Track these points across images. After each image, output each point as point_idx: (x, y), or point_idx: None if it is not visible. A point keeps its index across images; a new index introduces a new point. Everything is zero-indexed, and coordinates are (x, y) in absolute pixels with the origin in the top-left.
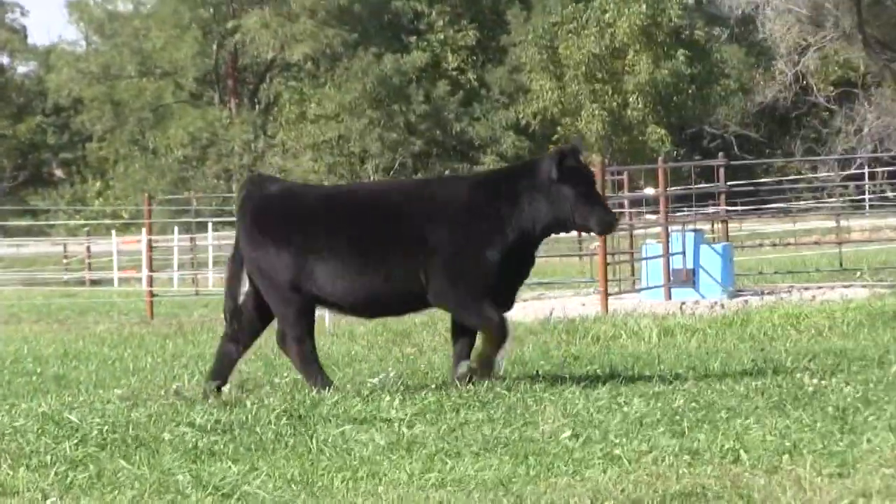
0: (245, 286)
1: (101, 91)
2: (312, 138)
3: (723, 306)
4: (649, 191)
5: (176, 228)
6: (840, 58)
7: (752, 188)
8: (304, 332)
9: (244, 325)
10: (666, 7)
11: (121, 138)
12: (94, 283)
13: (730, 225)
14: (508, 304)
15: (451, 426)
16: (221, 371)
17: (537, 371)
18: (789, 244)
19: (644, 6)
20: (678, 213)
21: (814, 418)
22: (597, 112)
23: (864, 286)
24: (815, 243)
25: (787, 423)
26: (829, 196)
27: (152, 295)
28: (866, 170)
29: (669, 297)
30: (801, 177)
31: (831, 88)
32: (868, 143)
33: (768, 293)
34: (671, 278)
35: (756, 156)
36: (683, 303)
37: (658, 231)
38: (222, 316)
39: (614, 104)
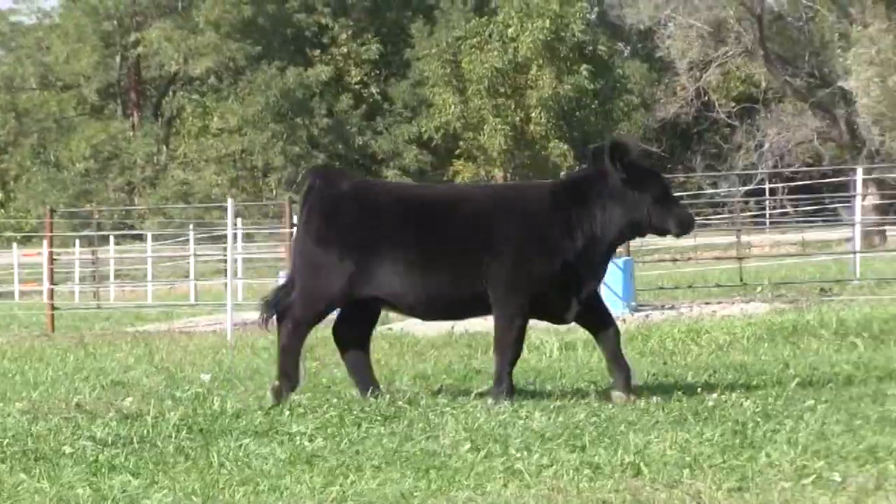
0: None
1: (3, 103)
2: (215, 152)
3: (624, 321)
4: None
5: (77, 241)
6: (742, 74)
7: None
8: (309, 323)
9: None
10: (569, 22)
11: (22, 150)
12: None
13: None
14: (579, 305)
15: (352, 440)
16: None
17: (439, 385)
18: (690, 259)
19: (547, 21)
20: None
21: (714, 433)
22: (499, 126)
23: (764, 301)
24: (716, 258)
25: (687, 437)
26: (730, 211)
27: (53, 308)
28: (767, 185)
29: None
30: (702, 192)
31: (733, 104)
32: (769, 158)
33: (669, 308)
34: None
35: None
36: None
37: None
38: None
39: (517, 119)
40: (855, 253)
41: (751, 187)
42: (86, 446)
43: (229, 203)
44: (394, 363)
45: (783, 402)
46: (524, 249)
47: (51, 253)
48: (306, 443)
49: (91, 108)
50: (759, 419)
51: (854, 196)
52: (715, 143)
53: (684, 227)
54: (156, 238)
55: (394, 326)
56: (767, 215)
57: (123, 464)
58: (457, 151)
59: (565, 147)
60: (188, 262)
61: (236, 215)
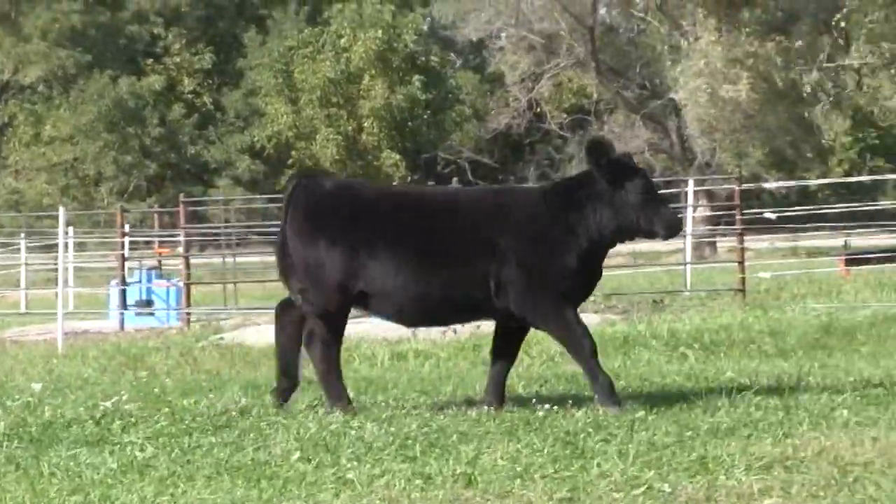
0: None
1: None
2: (46, 160)
3: (455, 331)
4: None
5: None
6: (574, 85)
7: None
8: (335, 336)
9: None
10: (402, 33)
11: None
12: None
13: None
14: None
15: (183, 450)
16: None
17: (270, 395)
18: None
19: (380, 31)
20: None
21: (545, 443)
22: (331, 136)
23: (595, 312)
24: None
25: (518, 447)
26: None
27: None
28: None
29: None
30: None
31: (565, 115)
32: None
33: None
34: None
35: (490, 181)
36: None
37: None
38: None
39: (349, 129)
40: (686, 264)
41: None
42: None
43: (61, 212)
44: (225, 373)
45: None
46: (537, 253)
47: None
48: (137, 452)
49: None
50: (590, 430)
51: (685, 207)
52: (547, 154)
53: (671, 230)
54: None
55: (225, 336)
56: None
57: None
58: (289, 161)
59: (397, 157)
60: (19, 271)
61: (67, 224)
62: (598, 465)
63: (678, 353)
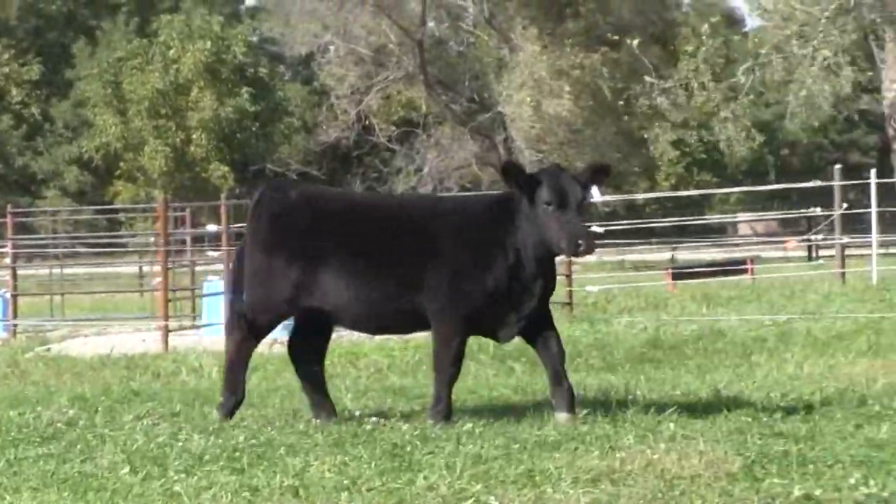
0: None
1: None
2: None
3: (282, 343)
4: (211, 228)
5: None
6: (402, 98)
7: None
8: (255, 335)
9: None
10: (231, 44)
11: None
12: None
13: None
14: (517, 324)
15: (9, 461)
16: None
17: (97, 407)
18: None
19: (209, 43)
20: None
21: (372, 455)
22: (160, 148)
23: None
24: None
25: (346, 459)
26: None
27: None
28: None
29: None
30: None
31: (393, 128)
32: (429, 182)
33: None
34: None
35: None
36: None
37: (220, 268)
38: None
39: (178, 140)
40: None
41: None
42: None
43: None
44: (52, 384)
45: (441, 425)
46: (462, 264)
47: None
48: None
49: None
50: (417, 442)
51: None
52: (375, 167)
53: (572, 249)
54: None
55: (52, 347)
56: None
57: None
58: (117, 172)
59: (226, 169)
60: None
61: None
62: (426, 477)
63: (506, 366)
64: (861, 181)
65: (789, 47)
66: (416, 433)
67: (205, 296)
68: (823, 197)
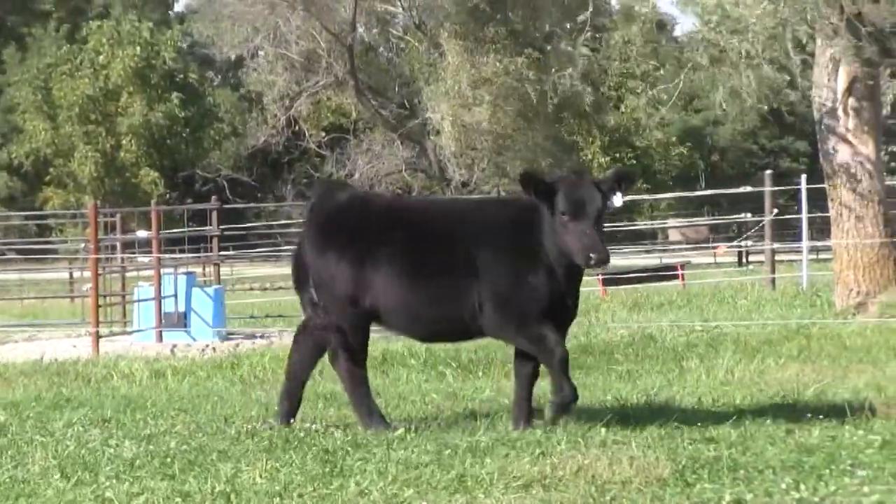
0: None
1: None
2: None
3: (214, 349)
4: (142, 233)
5: None
6: (332, 104)
7: (243, 232)
8: (358, 350)
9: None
10: (160, 50)
11: None
12: None
13: (221, 268)
14: (563, 330)
15: None
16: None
17: (28, 413)
18: (280, 288)
19: (138, 49)
20: (171, 256)
21: (304, 461)
22: (90, 153)
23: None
24: None
25: (277, 465)
26: None
27: None
28: None
29: (161, 340)
30: (292, 221)
31: (323, 134)
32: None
33: (259, 336)
34: (163, 321)
35: (248, 200)
36: (175, 345)
37: (151, 274)
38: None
39: (108, 146)
40: None
41: None
42: None
43: None
44: None
45: (373, 431)
46: (515, 268)
47: None
48: None
49: None
50: (349, 448)
51: None
52: (305, 172)
53: (584, 260)
54: None
55: None
56: None
57: None
58: (47, 178)
59: (156, 174)
60: None
61: None
62: (357, 483)
63: (437, 371)
64: (791, 187)
65: (720, 47)
66: (347, 439)
67: (136, 301)
68: (754, 203)
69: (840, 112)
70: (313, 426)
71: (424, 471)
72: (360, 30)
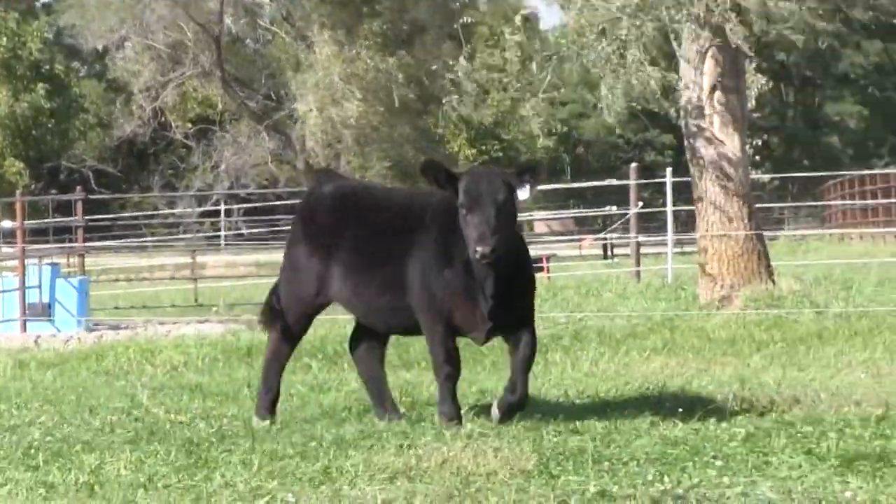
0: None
1: None
2: None
3: (79, 340)
4: (6, 224)
5: None
6: (199, 95)
7: (109, 223)
8: (291, 335)
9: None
10: (26, 41)
11: None
12: None
13: (87, 259)
14: (487, 325)
15: None
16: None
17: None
18: (145, 279)
19: (4, 39)
20: (35, 247)
21: (169, 452)
22: None
23: (219, 322)
24: (171, 278)
25: (142, 457)
26: (186, 232)
27: None
28: (223, 206)
29: (25, 330)
30: (158, 212)
31: (189, 125)
32: (225, 179)
33: (124, 327)
34: (27, 311)
35: (114, 190)
36: (39, 336)
37: (14, 264)
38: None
39: None
40: None
41: (207, 208)
42: None
43: None
44: None
45: (239, 422)
46: (433, 259)
47: None
48: None
49: None
50: (213, 439)
51: None
52: (172, 164)
53: (472, 252)
54: None
55: None
56: (223, 236)
57: None
58: None
59: (21, 165)
60: None
61: None
62: (222, 474)
63: (302, 362)
64: (657, 180)
65: (590, 45)
66: (212, 430)
67: (0, 292)
68: (619, 195)
69: (706, 106)
70: (178, 417)
71: (289, 462)
72: (228, 20)
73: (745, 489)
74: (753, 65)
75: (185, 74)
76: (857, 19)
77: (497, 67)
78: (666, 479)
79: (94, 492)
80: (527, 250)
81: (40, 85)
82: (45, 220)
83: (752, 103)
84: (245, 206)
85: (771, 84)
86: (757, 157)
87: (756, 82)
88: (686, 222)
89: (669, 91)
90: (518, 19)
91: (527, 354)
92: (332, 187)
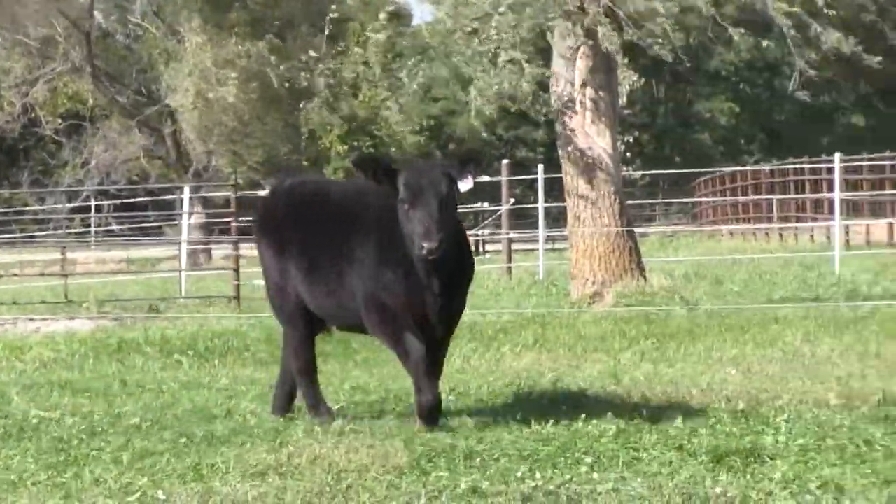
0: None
1: None
2: None
3: None
4: None
5: None
6: (70, 90)
7: None
8: (302, 331)
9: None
10: None
11: None
12: None
13: None
14: (435, 325)
15: None
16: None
17: None
18: (14, 275)
19: None
20: None
21: (38, 449)
22: None
23: (89, 318)
24: (41, 275)
25: (10, 454)
26: (55, 228)
27: None
28: (93, 202)
29: None
30: (28, 208)
31: (60, 121)
32: (95, 175)
33: None
34: None
35: None
36: None
37: None
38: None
39: None
40: (181, 271)
41: (77, 204)
42: None
43: None
44: None
45: (109, 419)
46: (376, 258)
47: None
48: None
49: None
50: (84, 436)
51: (181, 214)
52: (42, 160)
53: (414, 249)
54: None
55: None
56: (93, 232)
57: None
58: None
59: None
60: None
61: None
62: (92, 472)
63: (173, 359)
64: (528, 176)
65: (463, 42)
66: (83, 427)
67: None
68: (491, 192)
69: (577, 103)
70: (48, 414)
71: (160, 459)
72: (98, 16)
73: (616, 485)
74: (625, 61)
75: (55, 70)
76: (729, 16)
77: (366, 62)
78: (537, 475)
79: None
80: (466, 238)
81: None
82: None
83: (623, 100)
84: (115, 202)
85: (643, 81)
86: (628, 154)
87: (628, 79)
88: (557, 218)
89: (544, 87)
90: (382, 17)
91: (443, 354)
92: (289, 185)
